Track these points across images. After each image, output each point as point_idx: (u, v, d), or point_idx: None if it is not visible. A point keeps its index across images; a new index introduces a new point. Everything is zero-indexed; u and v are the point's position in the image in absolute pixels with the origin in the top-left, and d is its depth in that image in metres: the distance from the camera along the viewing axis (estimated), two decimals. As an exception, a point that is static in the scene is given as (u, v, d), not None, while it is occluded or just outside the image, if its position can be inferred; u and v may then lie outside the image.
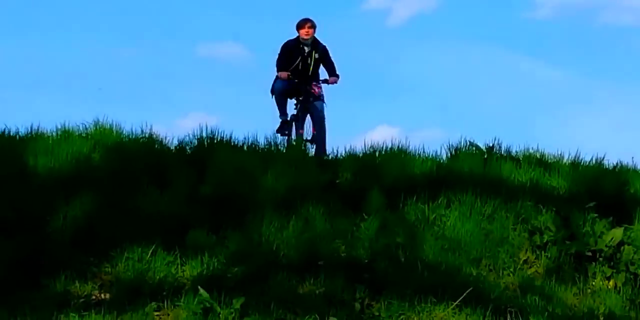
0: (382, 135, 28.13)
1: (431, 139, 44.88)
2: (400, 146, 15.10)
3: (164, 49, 46.15)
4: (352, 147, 15.27)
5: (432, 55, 46.08)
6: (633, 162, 16.37)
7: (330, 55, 16.65)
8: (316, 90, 16.45)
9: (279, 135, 16.05)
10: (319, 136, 16.28)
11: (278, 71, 16.45)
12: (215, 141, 14.33)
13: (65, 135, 13.93)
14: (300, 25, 16.45)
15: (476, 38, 46.67)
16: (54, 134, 14.00)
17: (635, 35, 48.74)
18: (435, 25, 46.81)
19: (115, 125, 14.32)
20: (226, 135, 14.59)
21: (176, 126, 40.29)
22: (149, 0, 45.17)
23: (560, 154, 16.03)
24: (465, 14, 47.27)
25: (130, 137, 14.16)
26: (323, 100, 16.59)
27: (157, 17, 46.45)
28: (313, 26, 16.41)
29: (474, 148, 15.53)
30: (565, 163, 15.75)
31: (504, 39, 47.22)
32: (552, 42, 47.59)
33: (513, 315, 11.34)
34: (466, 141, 15.66)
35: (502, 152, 15.58)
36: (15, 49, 43.87)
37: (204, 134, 14.37)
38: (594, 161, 15.86)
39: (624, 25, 47.10)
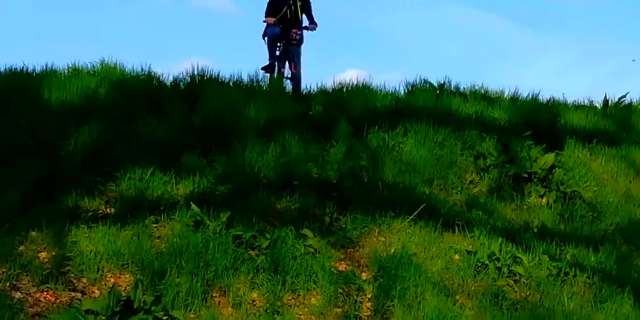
0: (351, 76, 28.10)
1: (394, 80, 44.75)
2: (364, 83, 15.12)
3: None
4: (324, 84, 15.27)
5: (399, 10, 45.89)
6: (564, 97, 16.47)
7: (311, 4, 16.57)
8: (297, 35, 16.37)
9: (263, 72, 15.95)
10: (297, 75, 16.26)
11: (266, 17, 16.37)
12: (205, 78, 14.27)
13: (75, 72, 13.85)
14: None
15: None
16: (66, 71, 13.92)
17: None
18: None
19: (119, 64, 14.26)
20: (215, 73, 14.57)
21: (174, 68, 40.11)
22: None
23: (502, 90, 16.08)
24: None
25: (132, 74, 14.08)
26: (301, 44, 16.53)
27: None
28: None
29: (428, 85, 15.52)
30: (506, 98, 15.77)
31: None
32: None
33: (460, 228, 11.44)
34: (421, 79, 15.67)
35: (452, 89, 15.57)
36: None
37: (196, 72, 14.32)
38: (530, 96, 15.92)
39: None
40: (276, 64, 16.48)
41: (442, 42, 46.64)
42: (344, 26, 44.09)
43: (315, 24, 16.59)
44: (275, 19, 16.21)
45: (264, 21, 16.46)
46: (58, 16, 44.40)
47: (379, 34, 46.05)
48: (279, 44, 16.52)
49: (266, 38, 16.57)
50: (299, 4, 16.30)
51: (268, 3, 16.45)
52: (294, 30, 16.28)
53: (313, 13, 16.64)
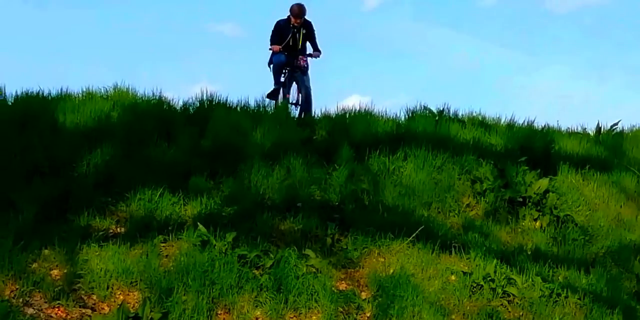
0: (354, 102, 28.25)
1: (396, 105, 44.97)
2: (366, 109, 15.11)
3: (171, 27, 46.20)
4: (327, 110, 15.28)
5: (396, 36, 46.11)
6: (558, 124, 16.48)
7: (315, 32, 16.56)
8: (303, 63, 16.39)
9: (268, 99, 15.94)
10: (307, 104, 16.22)
11: (271, 45, 16.35)
12: (214, 103, 14.28)
13: (89, 96, 13.88)
14: (293, 12, 16.26)
15: (432, 22, 46.82)
16: (80, 95, 13.93)
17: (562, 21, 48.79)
18: (401, 10, 46.94)
19: (131, 88, 14.29)
20: (223, 99, 14.57)
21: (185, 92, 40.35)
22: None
23: (499, 117, 16.08)
24: (432, 3, 47.46)
25: (143, 98, 14.10)
26: (307, 71, 16.53)
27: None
28: (304, 14, 16.28)
29: (427, 111, 15.53)
30: (502, 124, 15.77)
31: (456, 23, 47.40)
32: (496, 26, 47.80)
33: (457, 249, 11.38)
34: (421, 105, 15.68)
35: (451, 115, 15.58)
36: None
37: (204, 97, 14.33)
38: (526, 123, 15.92)
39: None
40: (281, 90, 16.45)
41: (438, 66, 46.74)
42: (348, 52, 44.14)
43: (320, 51, 16.59)
44: (280, 47, 16.20)
45: (270, 49, 16.44)
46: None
47: (381, 59, 46.09)
48: (284, 71, 16.51)
49: (272, 65, 16.55)
50: (303, 32, 16.30)
51: (273, 31, 16.43)
52: (300, 57, 16.27)
53: (317, 41, 16.62)
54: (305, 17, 16.38)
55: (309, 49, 16.65)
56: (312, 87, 16.53)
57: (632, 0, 46.19)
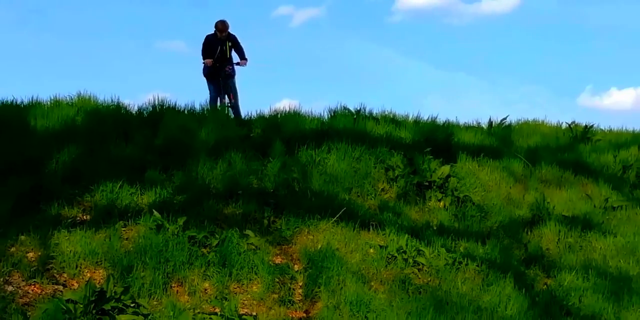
0: (284, 105, 28.37)
1: (320, 107, 45.29)
2: (295, 110, 15.16)
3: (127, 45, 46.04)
4: (262, 111, 15.29)
5: (325, 51, 46.48)
6: (457, 120, 16.67)
7: (240, 42, 16.59)
8: (229, 70, 16.45)
9: (210, 103, 15.95)
10: (235, 104, 16.30)
11: (204, 59, 16.36)
12: (165, 107, 14.22)
13: (57, 103, 13.75)
14: (218, 28, 16.32)
15: (357, 37, 47.17)
16: (48, 102, 13.81)
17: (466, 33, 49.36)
18: (326, 28, 47.28)
19: (93, 96, 14.17)
20: (172, 103, 14.53)
21: (139, 100, 40.03)
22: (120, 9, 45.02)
23: (407, 115, 16.22)
24: (345, 18, 47.74)
25: (104, 104, 14.00)
26: (234, 77, 16.61)
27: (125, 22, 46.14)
28: (227, 29, 16.34)
29: (347, 111, 15.58)
30: (410, 121, 15.90)
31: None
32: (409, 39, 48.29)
33: (374, 227, 11.45)
34: (342, 106, 15.73)
35: (367, 113, 15.65)
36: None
37: (156, 102, 14.28)
38: (430, 119, 16.07)
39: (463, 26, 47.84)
40: (218, 96, 16.50)
41: (359, 74, 47.09)
42: (282, 64, 44.42)
43: (246, 59, 16.66)
44: (212, 60, 16.23)
45: (203, 62, 16.45)
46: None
47: (308, 68, 46.45)
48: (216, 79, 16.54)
49: (205, 76, 16.61)
50: (228, 44, 16.33)
51: (203, 45, 16.46)
52: (227, 66, 16.32)
53: (244, 50, 16.65)
54: (229, 31, 16.42)
55: (236, 58, 16.68)
56: (238, 91, 16.73)
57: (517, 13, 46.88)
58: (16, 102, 13.52)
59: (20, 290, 9.07)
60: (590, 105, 47.05)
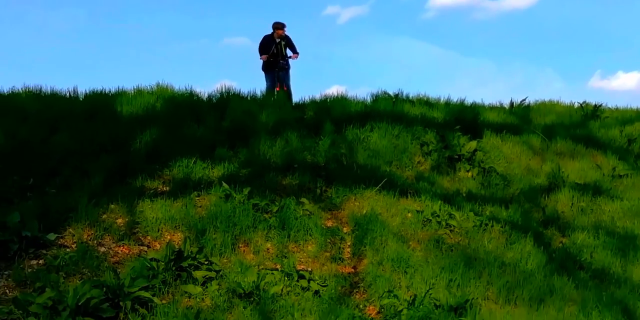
0: (333, 91, 28.46)
1: (363, 92, 45.32)
2: (342, 95, 15.15)
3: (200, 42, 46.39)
4: (314, 97, 15.29)
5: (369, 44, 46.43)
6: (482, 101, 16.55)
7: (292, 40, 16.67)
8: (284, 64, 16.50)
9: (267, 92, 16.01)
10: (288, 93, 16.35)
11: (260, 55, 16.45)
12: (231, 94, 14.25)
13: (139, 92, 13.84)
14: (276, 28, 16.44)
15: (395, 32, 46.95)
16: (132, 91, 13.91)
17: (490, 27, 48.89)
18: (368, 24, 47.28)
19: (169, 85, 14.26)
20: (237, 91, 14.57)
21: (211, 88, 40.35)
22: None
23: (439, 98, 16.10)
24: (390, 16, 47.61)
25: (179, 92, 14.07)
26: (289, 70, 16.65)
27: (198, 22, 46.35)
28: (283, 29, 16.43)
29: (387, 95, 15.53)
30: (441, 103, 15.77)
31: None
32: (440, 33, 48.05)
33: (411, 195, 11.43)
34: (382, 91, 15.70)
35: (404, 97, 15.59)
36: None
37: (224, 90, 14.32)
38: (459, 101, 15.94)
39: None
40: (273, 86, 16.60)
41: (397, 63, 47.02)
42: (330, 59, 44.60)
43: (297, 53, 16.75)
44: (267, 55, 16.30)
45: (260, 58, 16.55)
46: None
47: (354, 62, 46.52)
48: (272, 72, 16.60)
49: (263, 69, 16.69)
50: (282, 43, 16.39)
51: (260, 43, 16.59)
52: (281, 61, 16.37)
53: (296, 46, 16.69)
54: (285, 31, 16.49)
55: (289, 53, 16.72)
56: (291, 82, 16.90)
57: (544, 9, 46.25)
58: (105, 92, 13.65)
59: (111, 251, 9.18)
60: (600, 87, 46.49)
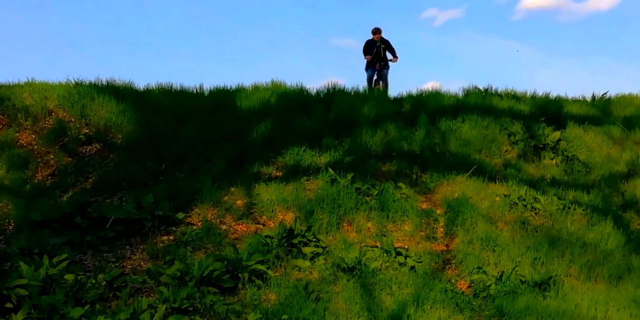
0: (429, 86, 28.17)
1: (456, 87, 44.84)
2: (436, 90, 14.94)
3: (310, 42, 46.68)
4: (410, 91, 15.12)
5: (462, 43, 45.89)
6: (565, 94, 16.06)
7: (392, 44, 16.49)
8: (384, 65, 16.37)
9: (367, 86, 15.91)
10: (385, 90, 16.17)
11: (365, 55, 16.37)
12: (336, 90, 14.20)
13: (256, 88, 13.90)
14: (373, 33, 16.38)
15: (487, 32, 46.26)
16: (250, 87, 14.00)
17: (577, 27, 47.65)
18: (463, 26, 46.74)
19: (282, 82, 14.25)
20: (342, 87, 14.49)
21: (320, 84, 40.60)
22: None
23: (525, 91, 15.67)
24: (483, 18, 47.01)
25: (291, 88, 14.08)
26: (388, 69, 16.48)
27: (307, 24, 46.60)
28: (380, 33, 16.30)
29: (477, 89, 15.23)
30: (528, 96, 15.33)
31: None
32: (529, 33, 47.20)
33: (499, 180, 11.21)
34: (473, 86, 15.40)
35: (493, 91, 15.24)
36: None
37: (330, 86, 14.28)
38: (544, 94, 15.50)
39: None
40: (373, 82, 16.45)
41: (489, 60, 46.28)
42: (427, 57, 44.27)
43: (397, 57, 16.54)
44: (371, 56, 16.22)
45: (365, 58, 16.47)
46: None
47: (451, 59, 46.13)
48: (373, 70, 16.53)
49: (366, 69, 16.58)
50: (382, 46, 16.25)
51: (364, 47, 16.48)
52: (381, 62, 16.25)
53: (395, 49, 16.50)
54: (382, 35, 16.32)
55: (389, 56, 16.58)
56: (389, 79, 16.71)
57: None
58: (227, 88, 13.81)
59: (231, 229, 9.31)
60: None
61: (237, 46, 45.52)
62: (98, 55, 42.46)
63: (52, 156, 10.71)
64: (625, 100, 16.21)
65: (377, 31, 16.49)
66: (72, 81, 12.44)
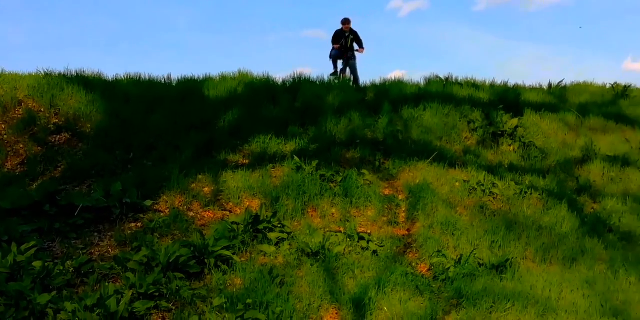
0: (394, 75, 28.11)
1: (418, 76, 44.92)
2: (399, 79, 14.94)
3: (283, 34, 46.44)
4: (374, 81, 15.06)
5: (427, 33, 45.97)
6: (523, 83, 16.12)
7: (359, 36, 16.27)
8: (351, 55, 16.16)
9: (332, 77, 15.71)
10: (355, 79, 15.97)
11: (333, 44, 16.13)
12: (302, 79, 14.09)
13: (223, 78, 13.76)
14: (343, 23, 16.11)
15: (451, 22, 46.30)
16: (217, 77, 13.84)
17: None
18: (427, 16, 46.82)
19: (249, 71, 14.13)
20: (307, 76, 14.37)
21: (284, 75, 40.41)
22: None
23: (484, 80, 15.69)
24: (446, 8, 47.03)
25: (257, 78, 13.96)
26: (355, 60, 16.24)
27: (281, 17, 46.38)
28: (349, 24, 16.07)
29: (438, 78, 15.20)
30: (487, 84, 15.35)
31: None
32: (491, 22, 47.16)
33: (459, 166, 11.21)
34: (434, 75, 15.37)
35: (453, 80, 15.23)
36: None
37: (296, 76, 14.17)
38: (502, 83, 15.54)
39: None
40: (338, 72, 16.23)
41: (452, 50, 46.40)
42: (391, 44, 44.13)
43: (363, 48, 16.25)
44: (338, 45, 15.97)
45: (333, 47, 16.23)
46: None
47: (419, 48, 46.18)
48: (339, 60, 16.30)
49: (331, 58, 16.35)
50: (351, 37, 16.03)
51: (332, 36, 16.17)
52: (349, 52, 16.03)
53: (362, 40, 16.31)
54: (351, 26, 16.12)
55: (356, 46, 16.40)
56: (358, 69, 16.44)
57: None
58: (194, 78, 13.65)
59: (198, 215, 9.20)
60: (632, 69, 45.17)
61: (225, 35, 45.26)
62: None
63: (21, 145, 10.50)
64: (580, 87, 16.32)
65: (346, 22, 16.29)
66: (42, 72, 12.23)
